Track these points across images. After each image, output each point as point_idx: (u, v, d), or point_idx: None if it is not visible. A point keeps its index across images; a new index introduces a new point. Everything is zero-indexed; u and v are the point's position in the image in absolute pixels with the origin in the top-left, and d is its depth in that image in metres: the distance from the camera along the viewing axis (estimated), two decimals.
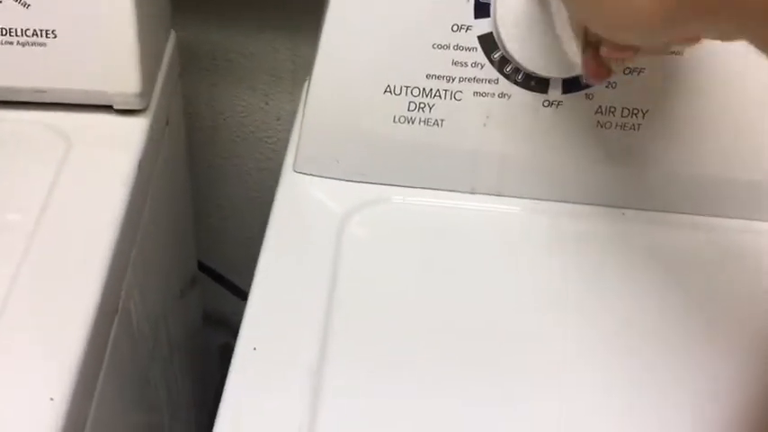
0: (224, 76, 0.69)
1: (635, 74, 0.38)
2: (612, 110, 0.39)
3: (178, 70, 0.53)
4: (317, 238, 0.38)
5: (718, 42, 0.37)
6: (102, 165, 0.41)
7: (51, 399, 0.29)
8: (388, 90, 0.39)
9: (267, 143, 0.72)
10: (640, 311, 0.37)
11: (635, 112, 0.39)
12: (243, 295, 0.71)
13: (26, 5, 0.40)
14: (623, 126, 0.39)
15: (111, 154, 0.41)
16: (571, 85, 0.39)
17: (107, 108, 0.43)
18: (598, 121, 0.39)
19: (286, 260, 0.37)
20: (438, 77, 0.39)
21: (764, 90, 0.38)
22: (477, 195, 0.41)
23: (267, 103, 0.71)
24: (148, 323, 0.46)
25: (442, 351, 0.34)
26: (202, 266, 0.72)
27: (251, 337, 0.33)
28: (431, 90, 0.39)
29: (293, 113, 0.66)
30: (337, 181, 0.41)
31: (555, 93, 0.39)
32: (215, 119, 0.72)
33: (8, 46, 0.41)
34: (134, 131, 0.43)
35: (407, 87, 0.39)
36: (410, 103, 0.39)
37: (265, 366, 0.32)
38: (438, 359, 0.34)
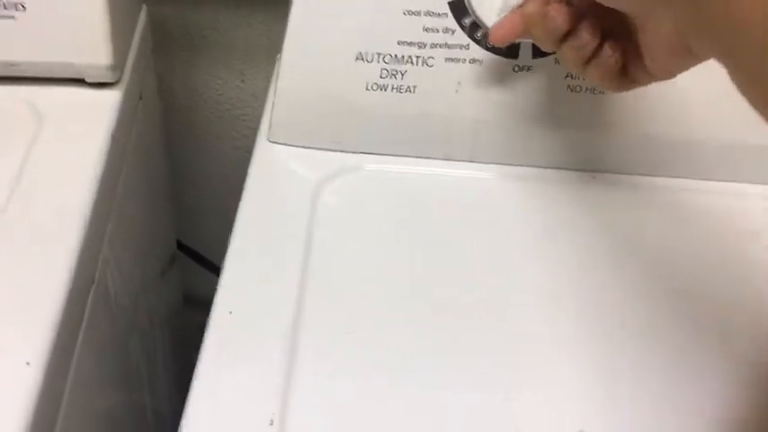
0: (199, 53, 0.68)
1: None
2: None
3: (151, 45, 0.53)
4: (291, 205, 0.39)
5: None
6: (74, 137, 0.40)
7: (27, 363, 0.29)
8: (360, 57, 0.39)
9: (243, 121, 0.72)
10: (617, 274, 0.37)
11: None
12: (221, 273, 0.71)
13: None
14: (593, 90, 0.40)
15: (84, 127, 0.41)
16: (540, 49, 0.39)
17: (79, 81, 0.43)
18: (568, 86, 0.40)
19: (260, 228, 0.37)
20: (410, 44, 0.39)
21: None
22: (451, 162, 0.42)
23: (243, 81, 0.71)
24: (128, 296, 0.46)
25: (416, 318, 0.35)
26: (182, 246, 0.72)
27: (227, 302, 0.33)
28: (403, 56, 0.39)
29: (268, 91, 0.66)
30: (311, 149, 0.41)
31: (525, 57, 0.39)
32: (190, 97, 0.71)
33: None
34: (106, 105, 0.43)
35: (379, 54, 0.39)
36: (382, 69, 0.40)
37: (241, 330, 0.33)
38: (412, 326, 0.34)
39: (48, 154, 0.40)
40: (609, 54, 0.32)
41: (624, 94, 0.40)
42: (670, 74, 0.31)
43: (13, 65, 0.42)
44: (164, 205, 0.63)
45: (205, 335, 0.32)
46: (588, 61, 0.33)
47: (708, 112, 0.40)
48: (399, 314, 0.35)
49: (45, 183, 0.38)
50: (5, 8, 0.41)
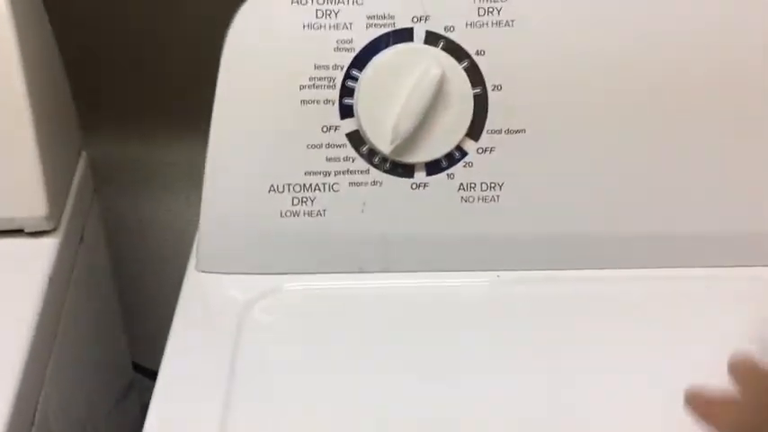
0: (144, 182, 0.73)
1: (486, 153, 0.43)
2: (473, 186, 0.44)
3: (92, 187, 0.57)
4: (216, 331, 0.42)
5: (549, 119, 0.43)
6: (12, 285, 0.43)
7: None
8: (272, 189, 0.44)
9: (190, 241, 0.75)
10: (525, 364, 0.40)
11: (493, 185, 0.44)
12: None
13: None
14: (484, 199, 0.44)
15: (22, 275, 0.44)
16: (433, 167, 0.43)
17: (19, 231, 0.47)
18: (461, 197, 0.44)
19: (187, 357, 0.40)
20: (315, 173, 0.43)
21: (605, 155, 0.44)
22: (366, 274, 0.45)
23: (188, 204, 0.74)
24: None
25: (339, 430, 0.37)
26: (141, 368, 0.74)
27: (154, 428, 0.36)
28: (310, 185, 0.44)
29: None
30: (236, 275, 0.45)
31: (420, 176, 0.44)
32: (140, 224, 0.75)
33: None
34: (44, 251, 0.46)
35: (289, 185, 0.44)
36: (293, 198, 0.44)
37: None
38: None
39: None
40: None
41: (512, 200, 0.44)
42: None
43: None
44: (114, 333, 0.65)
45: None
46: None
47: (587, 205, 0.45)
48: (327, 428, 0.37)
49: None
50: None
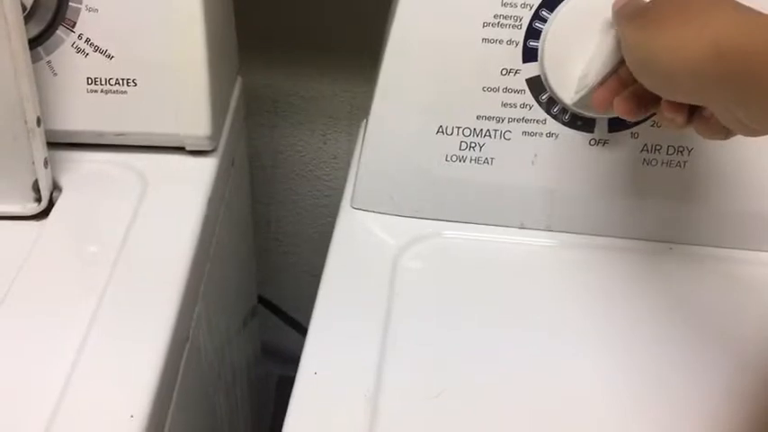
0: (284, 117, 0.73)
1: None
2: (658, 148, 0.40)
3: (243, 114, 0.57)
4: (373, 269, 0.41)
5: None
6: (175, 201, 0.44)
7: (131, 416, 0.32)
8: (440, 130, 0.42)
9: (324, 180, 0.76)
10: (683, 344, 0.38)
11: (680, 149, 0.40)
12: (299, 328, 0.74)
13: (110, 57, 0.44)
14: (669, 163, 0.41)
15: (183, 191, 0.45)
16: (617, 124, 0.40)
17: (180, 149, 0.47)
18: (644, 159, 0.41)
19: (344, 290, 0.39)
20: (488, 118, 0.41)
21: None
22: (527, 230, 0.43)
23: (325, 143, 0.74)
24: (215, 352, 0.49)
25: (492, 381, 0.36)
26: (261, 299, 0.75)
27: (312, 362, 0.35)
28: (481, 130, 0.41)
29: (349, 152, 0.69)
30: (392, 216, 0.44)
31: (601, 131, 0.41)
32: (275, 158, 0.75)
33: (93, 94, 0.45)
34: (204, 171, 0.46)
35: (459, 128, 0.41)
36: (461, 142, 0.42)
37: (325, 390, 0.34)
38: (488, 389, 0.35)
39: (152, 216, 0.43)
40: (707, 116, 0.32)
41: (700, 168, 0.41)
42: (755, 132, 0.30)
43: (122, 134, 0.46)
44: (248, 261, 0.66)
45: (292, 394, 0.34)
46: (690, 122, 0.33)
47: None
48: (477, 378, 0.36)
49: (148, 244, 0.41)
50: (119, 84, 0.45)
